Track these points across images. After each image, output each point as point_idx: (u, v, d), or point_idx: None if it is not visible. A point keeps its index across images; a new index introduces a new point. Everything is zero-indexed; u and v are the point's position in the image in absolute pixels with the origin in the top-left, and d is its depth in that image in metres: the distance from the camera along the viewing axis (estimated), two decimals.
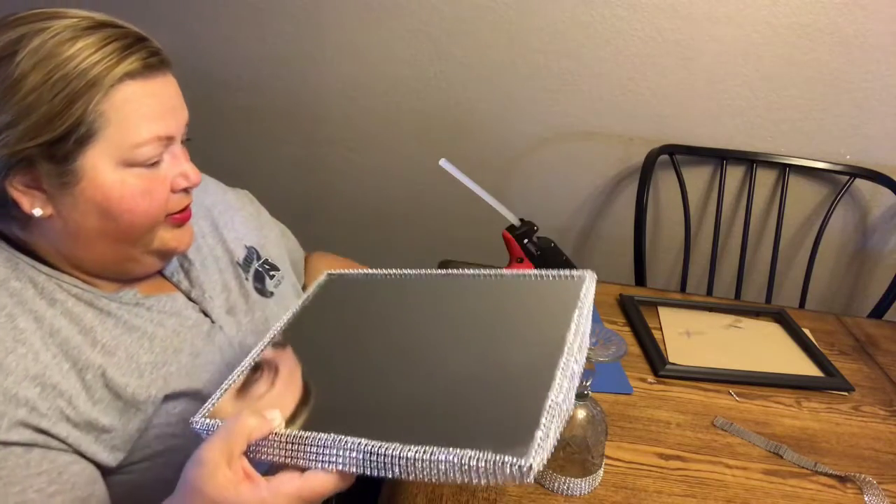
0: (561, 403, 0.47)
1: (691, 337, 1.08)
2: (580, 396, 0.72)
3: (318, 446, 0.49)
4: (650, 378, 0.96)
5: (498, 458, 0.43)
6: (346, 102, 1.53)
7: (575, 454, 0.73)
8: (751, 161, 1.48)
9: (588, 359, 0.67)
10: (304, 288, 0.97)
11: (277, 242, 0.91)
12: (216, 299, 0.75)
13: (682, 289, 1.48)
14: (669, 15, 1.38)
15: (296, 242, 1.00)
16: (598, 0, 1.38)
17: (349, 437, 0.48)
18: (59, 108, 0.56)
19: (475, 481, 0.44)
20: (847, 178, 1.46)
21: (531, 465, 0.42)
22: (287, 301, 0.83)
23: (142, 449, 0.62)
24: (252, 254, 0.84)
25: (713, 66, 1.42)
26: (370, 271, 0.74)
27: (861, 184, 1.48)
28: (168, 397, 0.64)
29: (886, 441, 0.88)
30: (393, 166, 1.59)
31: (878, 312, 1.41)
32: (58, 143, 0.57)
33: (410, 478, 0.46)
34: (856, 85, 1.40)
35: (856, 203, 1.53)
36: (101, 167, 0.59)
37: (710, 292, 1.49)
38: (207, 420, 0.54)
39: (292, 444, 0.50)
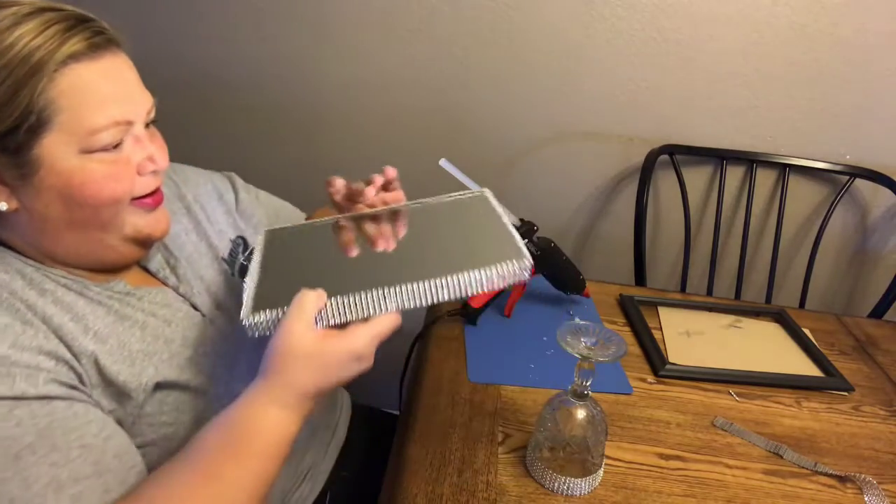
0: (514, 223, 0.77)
1: (691, 337, 1.08)
2: (580, 396, 0.72)
3: (373, 298, 0.61)
4: (650, 378, 0.96)
5: (508, 265, 0.62)
6: (345, 102, 1.53)
7: (575, 454, 0.73)
8: (751, 161, 1.48)
9: (588, 358, 0.69)
10: None
11: (263, 225, 0.90)
12: (204, 294, 0.75)
13: (682, 289, 1.48)
14: (669, 15, 1.38)
15: (294, 214, 0.98)
16: (598, 0, 1.38)
17: (397, 284, 0.61)
18: (5, 99, 0.55)
19: (491, 287, 0.63)
20: (847, 178, 1.46)
21: (528, 262, 0.63)
22: None
23: (134, 437, 0.62)
24: (237, 246, 0.84)
25: (713, 66, 1.42)
26: (303, 223, 0.83)
27: (861, 184, 1.48)
28: (160, 385, 0.64)
29: (886, 441, 0.88)
30: (393, 166, 1.59)
31: (878, 312, 1.41)
32: (9, 135, 0.56)
33: (444, 299, 0.62)
34: (856, 85, 1.40)
35: (856, 203, 1.53)
36: (58, 155, 0.58)
37: (710, 292, 1.49)
38: (262, 314, 0.62)
39: (353, 303, 0.61)
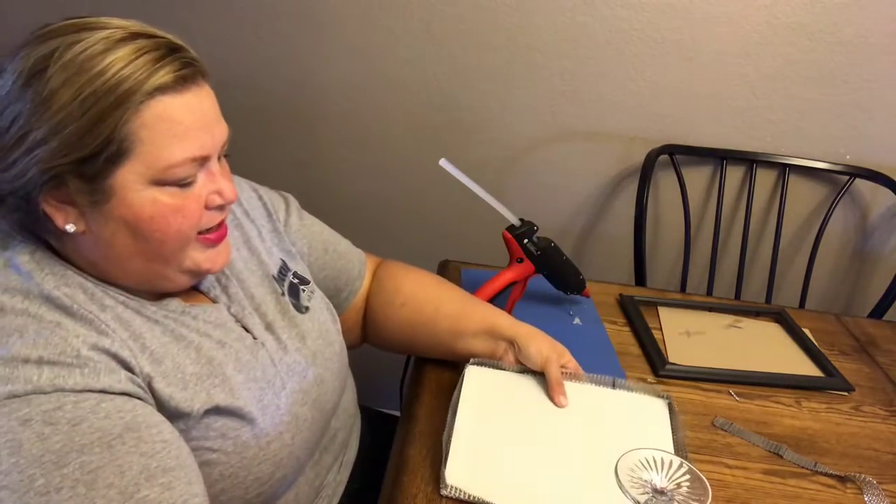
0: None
1: (691, 337, 1.08)
2: None
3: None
4: (650, 378, 0.96)
5: None
6: (345, 102, 1.53)
7: None
8: (751, 161, 1.48)
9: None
10: (367, 296, 0.96)
11: (304, 256, 0.89)
12: (255, 315, 0.74)
13: (682, 289, 1.48)
14: (669, 15, 1.38)
15: (343, 256, 0.95)
16: (598, 0, 1.38)
17: None
18: (89, 126, 0.55)
19: None
20: (847, 178, 1.46)
21: None
22: (320, 317, 0.81)
23: None
24: (286, 265, 0.82)
25: (713, 66, 1.42)
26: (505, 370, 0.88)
27: (861, 184, 1.48)
28: (209, 411, 0.63)
29: (886, 441, 0.88)
30: (393, 166, 1.59)
31: (878, 312, 1.41)
32: (88, 161, 0.56)
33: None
34: (856, 85, 1.40)
35: (856, 203, 1.52)
36: (131, 186, 0.58)
37: (710, 292, 1.49)
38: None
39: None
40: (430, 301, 0.92)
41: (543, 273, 1.04)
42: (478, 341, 0.88)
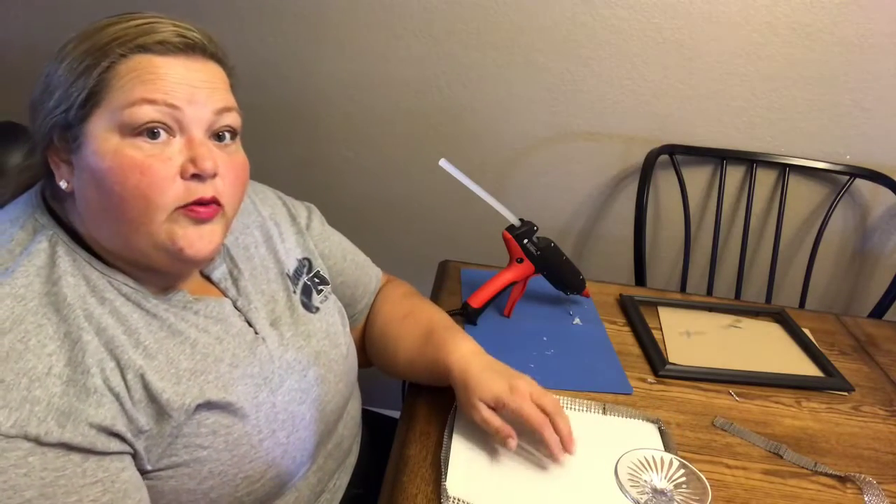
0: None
1: (691, 337, 1.08)
2: None
3: None
4: (650, 378, 0.96)
5: None
6: (346, 102, 1.53)
7: None
8: (751, 161, 1.48)
9: None
10: (368, 317, 0.96)
11: (326, 258, 0.90)
12: (261, 310, 0.74)
13: (682, 289, 1.48)
14: (669, 15, 1.38)
15: (361, 266, 0.96)
16: (597, 0, 1.38)
17: None
18: (77, 77, 0.59)
19: None
20: (847, 178, 1.46)
21: None
22: (329, 318, 0.82)
23: (168, 457, 0.61)
24: (303, 266, 0.83)
25: (713, 66, 1.42)
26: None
27: (861, 184, 1.48)
28: (200, 407, 0.63)
29: (886, 441, 0.88)
30: (393, 166, 1.59)
31: (878, 312, 1.41)
32: (70, 110, 0.59)
33: None
34: (856, 85, 1.40)
35: (856, 203, 1.52)
36: (100, 134, 0.59)
37: (710, 292, 1.49)
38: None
39: None
40: (391, 340, 0.91)
41: (543, 273, 1.04)
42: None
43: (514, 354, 0.96)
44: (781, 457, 0.82)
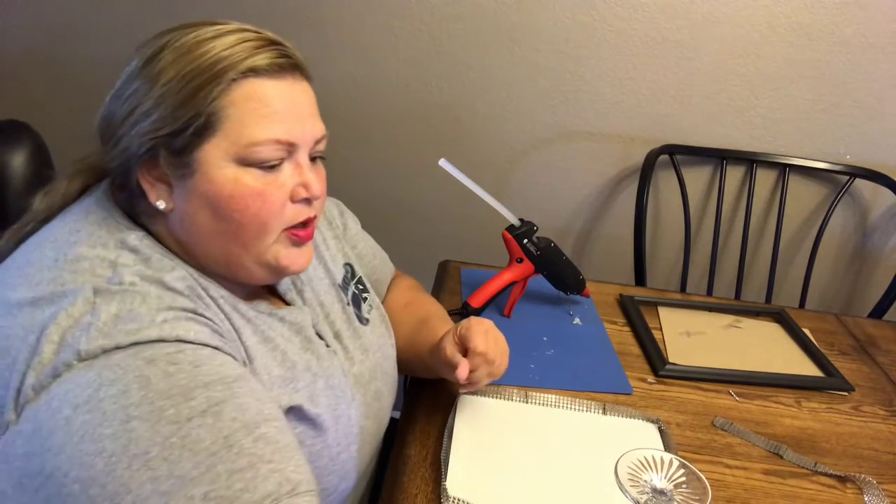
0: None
1: (691, 337, 1.08)
2: None
3: None
4: (650, 378, 0.96)
5: None
6: (346, 102, 1.53)
7: None
8: (751, 161, 1.48)
9: None
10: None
11: (364, 257, 0.90)
12: (325, 323, 0.74)
13: (682, 289, 1.48)
14: (669, 15, 1.38)
15: (384, 262, 0.97)
16: (598, 0, 1.38)
17: None
18: (184, 100, 0.57)
19: None
20: (847, 178, 1.46)
21: None
22: (378, 329, 0.82)
23: None
24: (348, 273, 0.83)
25: (713, 66, 1.42)
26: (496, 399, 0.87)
27: (861, 184, 1.48)
28: (290, 411, 0.63)
29: (886, 441, 0.88)
30: (393, 166, 1.59)
31: (878, 312, 1.41)
32: (179, 134, 0.58)
33: None
34: (856, 85, 1.40)
35: (856, 203, 1.53)
36: (216, 162, 0.59)
37: (710, 292, 1.49)
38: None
39: None
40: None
41: (543, 273, 1.04)
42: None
43: (514, 354, 0.96)
44: (781, 457, 0.82)
